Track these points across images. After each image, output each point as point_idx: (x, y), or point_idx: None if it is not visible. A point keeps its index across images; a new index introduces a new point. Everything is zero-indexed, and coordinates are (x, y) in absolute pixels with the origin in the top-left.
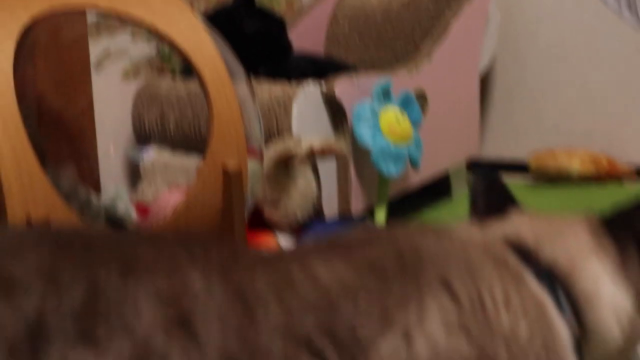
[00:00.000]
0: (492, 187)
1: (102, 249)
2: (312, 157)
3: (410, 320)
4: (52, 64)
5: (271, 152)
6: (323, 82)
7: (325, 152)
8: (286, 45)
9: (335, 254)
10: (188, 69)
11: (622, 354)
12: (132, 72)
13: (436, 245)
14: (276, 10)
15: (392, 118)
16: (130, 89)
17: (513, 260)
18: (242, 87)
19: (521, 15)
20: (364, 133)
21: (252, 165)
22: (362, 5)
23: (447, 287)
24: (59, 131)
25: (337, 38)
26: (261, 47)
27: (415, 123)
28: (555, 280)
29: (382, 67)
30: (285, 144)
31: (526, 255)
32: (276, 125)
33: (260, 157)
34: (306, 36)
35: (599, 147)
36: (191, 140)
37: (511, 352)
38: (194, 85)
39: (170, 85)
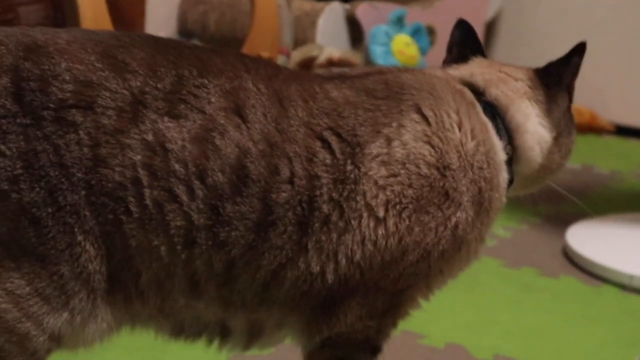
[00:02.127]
0: (466, 40)
1: (187, 54)
2: (330, 65)
3: (391, 131)
4: None
5: (297, 54)
6: (347, 3)
7: (342, 62)
8: None
9: (342, 81)
10: None
11: (540, 177)
12: None
13: (412, 78)
14: None
15: (403, 43)
16: None
17: (468, 93)
18: None
19: None
20: (377, 52)
21: (280, 60)
22: None
23: (419, 110)
24: (114, 15)
25: None
26: None
27: (422, 50)
28: (497, 113)
29: (400, 2)
30: (310, 49)
31: (477, 92)
32: (303, 35)
33: (288, 55)
34: None
35: (585, 102)
36: (228, 40)
37: (461, 158)
38: None
39: None
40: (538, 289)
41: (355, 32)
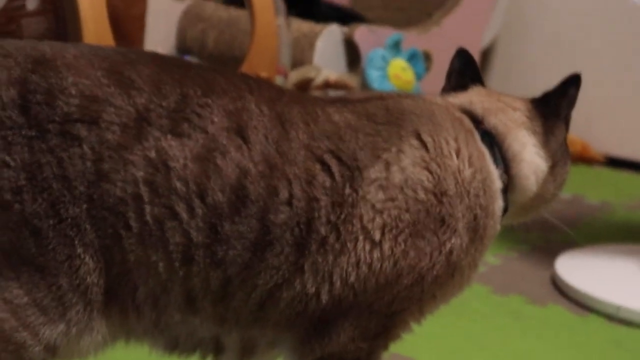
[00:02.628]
0: (465, 69)
1: (192, 73)
2: (327, 87)
3: (391, 156)
4: None
5: (294, 75)
6: (345, 26)
7: (338, 85)
8: None
9: (343, 105)
10: (229, 0)
11: (534, 206)
12: None
13: (412, 104)
14: None
15: (399, 67)
16: (177, 8)
17: (466, 121)
18: (281, 18)
19: (527, 4)
20: (373, 75)
21: (278, 81)
22: None
23: (418, 136)
24: (114, 29)
25: None
26: None
27: (418, 76)
28: (494, 141)
29: (397, 27)
30: (307, 70)
31: (475, 120)
32: (301, 56)
33: (286, 76)
34: None
35: (577, 132)
36: (226, 58)
37: (458, 185)
38: (234, 12)
39: (214, 8)
40: (526, 317)
41: (353, 55)
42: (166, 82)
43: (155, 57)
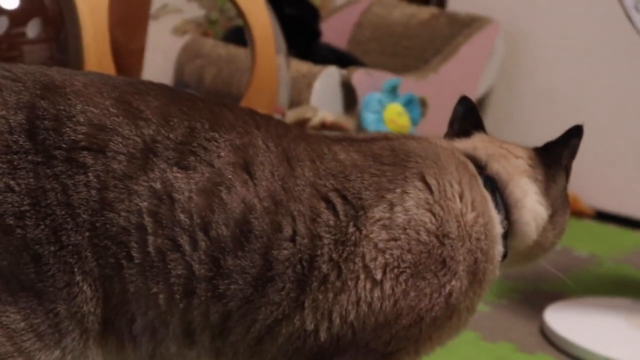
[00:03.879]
0: (468, 116)
1: (200, 106)
2: (322, 128)
3: (395, 197)
4: (121, 5)
5: (291, 114)
6: (343, 69)
7: (335, 126)
8: (317, 32)
9: (349, 144)
10: (228, 38)
11: (533, 253)
12: (181, 29)
13: (418, 146)
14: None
15: (395, 112)
16: (177, 43)
17: (470, 166)
18: (281, 57)
19: (523, 56)
20: (369, 119)
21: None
22: (386, 17)
23: (423, 178)
24: (114, 61)
25: (359, 41)
26: (295, 30)
27: (414, 121)
28: (496, 187)
29: (393, 72)
30: (304, 110)
31: (479, 165)
32: (298, 96)
33: (283, 115)
34: (332, 34)
35: (569, 186)
36: (223, 95)
37: (460, 228)
38: (233, 49)
39: (213, 45)
40: None
41: (350, 98)
42: (174, 114)
43: (164, 89)
